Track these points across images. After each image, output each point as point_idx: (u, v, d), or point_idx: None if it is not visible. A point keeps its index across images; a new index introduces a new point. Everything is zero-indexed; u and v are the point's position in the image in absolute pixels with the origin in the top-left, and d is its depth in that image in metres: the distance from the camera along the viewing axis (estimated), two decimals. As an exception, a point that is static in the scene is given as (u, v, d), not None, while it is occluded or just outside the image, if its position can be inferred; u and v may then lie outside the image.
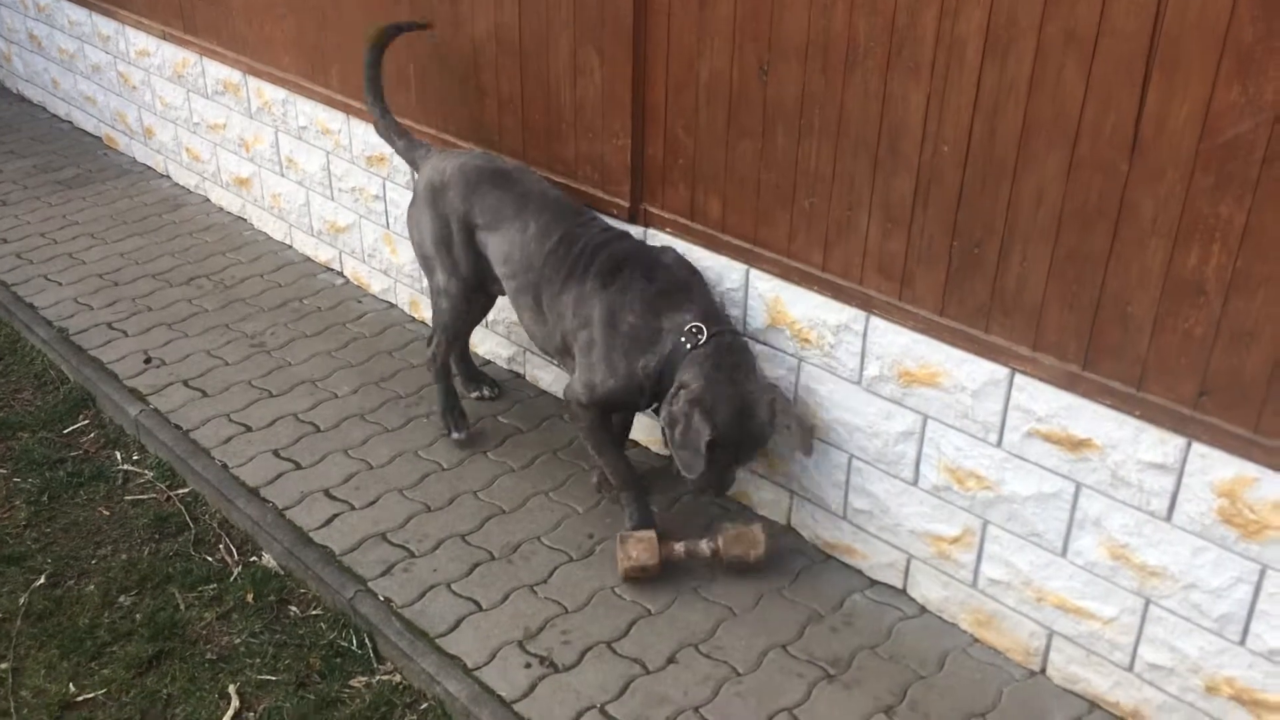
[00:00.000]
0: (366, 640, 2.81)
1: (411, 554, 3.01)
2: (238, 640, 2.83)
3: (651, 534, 2.89)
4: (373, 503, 3.21)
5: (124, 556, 3.12)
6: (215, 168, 5.10)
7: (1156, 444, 2.28)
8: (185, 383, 3.79)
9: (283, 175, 4.65)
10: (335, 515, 3.16)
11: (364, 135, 4.08)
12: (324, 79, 4.20)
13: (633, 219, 3.20)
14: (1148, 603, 2.40)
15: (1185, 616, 2.34)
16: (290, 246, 4.80)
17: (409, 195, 3.80)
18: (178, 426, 3.55)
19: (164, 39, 5.06)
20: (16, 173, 5.53)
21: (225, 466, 3.37)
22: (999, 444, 2.55)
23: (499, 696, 2.56)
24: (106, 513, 3.30)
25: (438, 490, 3.27)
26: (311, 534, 3.08)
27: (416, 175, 3.44)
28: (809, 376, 2.90)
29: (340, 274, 4.56)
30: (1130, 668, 2.48)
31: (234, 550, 3.16)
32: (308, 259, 4.69)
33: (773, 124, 2.76)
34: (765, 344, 2.98)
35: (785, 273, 2.86)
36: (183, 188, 5.40)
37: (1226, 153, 2.03)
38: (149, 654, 2.78)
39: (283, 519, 3.14)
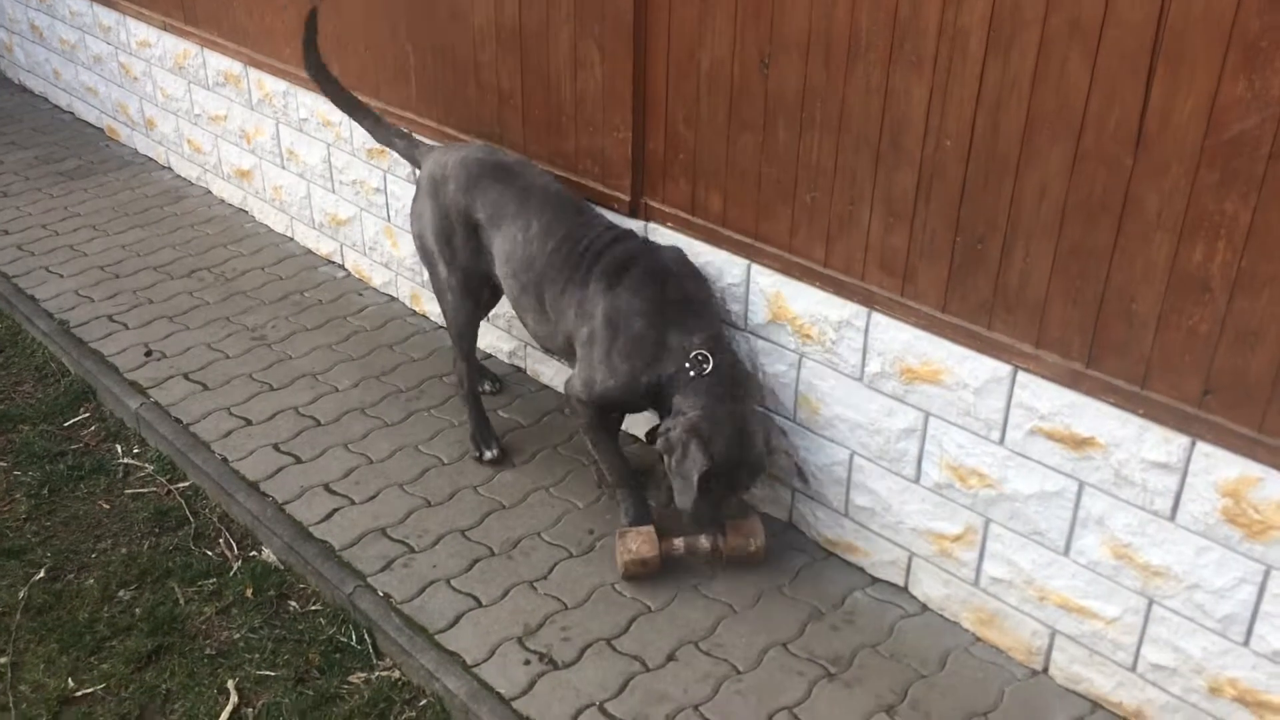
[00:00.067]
0: (366, 636, 2.80)
1: (411, 549, 3.00)
2: (237, 635, 2.82)
3: (651, 528, 2.88)
4: (373, 497, 3.20)
5: (124, 550, 3.12)
6: (217, 159, 5.08)
7: (1160, 443, 2.26)
8: (186, 376, 3.79)
9: (284, 168, 4.63)
10: (335, 510, 3.15)
11: (365, 127, 4.06)
12: (325, 71, 4.17)
13: (633, 213, 3.18)
14: (1151, 603, 2.38)
15: (1189, 617, 2.32)
16: (291, 239, 4.78)
17: (410, 188, 3.78)
18: (178, 420, 3.55)
19: (165, 30, 5.04)
20: (18, 164, 5.52)
21: (225, 460, 3.36)
22: (1001, 442, 2.53)
23: (498, 693, 2.55)
24: (107, 506, 3.30)
25: (438, 485, 3.26)
26: (311, 529, 3.07)
27: (418, 172, 3.42)
28: (810, 373, 2.88)
29: (341, 267, 4.55)
30: (1133, 668, 2.46)
31: (234, 545, 3.15)
32: (309, 252, 4.68)
33: (774, 117, 2.73)
34: (766, 340, 2.96)
35: (787, 268, 2.84)
36: (184, 179, 5.39)
37: (1232, 148, 2.00)
38: (148, 649, 2.78)
39: (283, 513, 3.14)
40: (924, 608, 2.83)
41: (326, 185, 4.42)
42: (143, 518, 3.25)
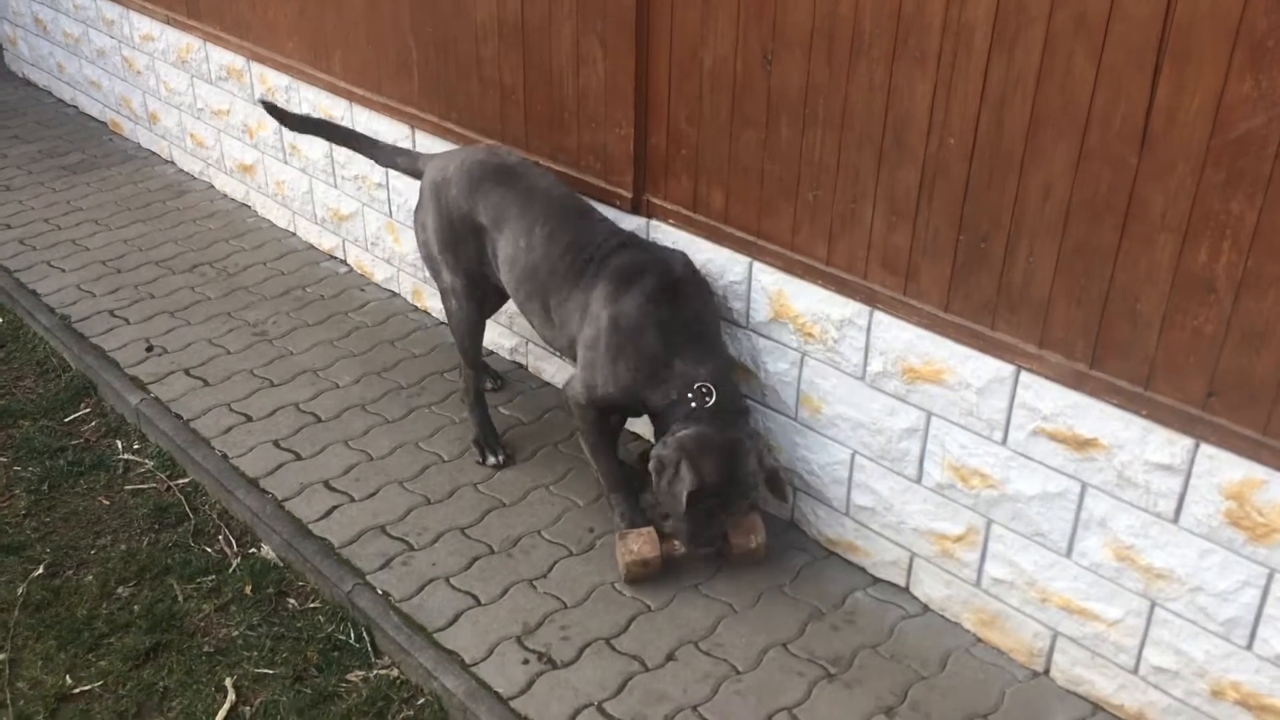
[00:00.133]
0: (364, 634, 2.79)
1: (410, 547, 2.99)
2: (235, 633, 2.82)
3: (651, 529, 2.87)
4: (372, 495, 3.19)
5: (123, 547, 3.11)
6: (219, 154, 5.07)
7: (1164, 444, 2.24)
8: (186, 371, 3.78)
9: (286, 162, 4.62)
10: (335, 507, 3.14)
11: (366, 123, 4.04)
12: (326, 65, 4.16)
13: (635, 209, 3.17)
14: (1153, 605, 2.36)
15: (1191, 619, 2.31)
16: (293, 234, 4.77)
17: (412, 184, 3.77)
18: (178, 416, 3.54)
19: (168, 24, 5.03)
20: (21, 157, 5.52)
21: (225, 457, 3.35)
22: (1004, 442, 2.52)
23: (496, 693, 2.54)
24: (106, 502, 3.29)
25: (438, 483, 3.25)
26: (311, 526, 3.06)
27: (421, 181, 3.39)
28: (812, 371, 2.86)
29: (343, 262, 4.54)
30: (1135, 670, 2.44)
31: (233, 541, 3.14)
32: (311, 247, 4.67)
33: (776, 114, 2.71)
34: (768, 338, 2.94)
35: (789, 266, 2.82)
36: (187, 174, 5.38)
37: (1238, 148, 1.98)
38: (146, 646, 2.77)
39: (282, 510, 3.13)
40: (925, 608, 2.82)
41: (329, 180, 4.41)
42: (142, 514, 3.24)
